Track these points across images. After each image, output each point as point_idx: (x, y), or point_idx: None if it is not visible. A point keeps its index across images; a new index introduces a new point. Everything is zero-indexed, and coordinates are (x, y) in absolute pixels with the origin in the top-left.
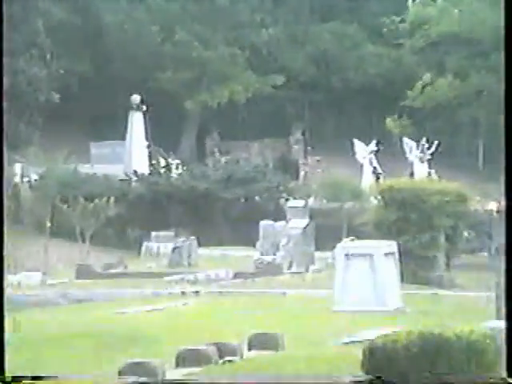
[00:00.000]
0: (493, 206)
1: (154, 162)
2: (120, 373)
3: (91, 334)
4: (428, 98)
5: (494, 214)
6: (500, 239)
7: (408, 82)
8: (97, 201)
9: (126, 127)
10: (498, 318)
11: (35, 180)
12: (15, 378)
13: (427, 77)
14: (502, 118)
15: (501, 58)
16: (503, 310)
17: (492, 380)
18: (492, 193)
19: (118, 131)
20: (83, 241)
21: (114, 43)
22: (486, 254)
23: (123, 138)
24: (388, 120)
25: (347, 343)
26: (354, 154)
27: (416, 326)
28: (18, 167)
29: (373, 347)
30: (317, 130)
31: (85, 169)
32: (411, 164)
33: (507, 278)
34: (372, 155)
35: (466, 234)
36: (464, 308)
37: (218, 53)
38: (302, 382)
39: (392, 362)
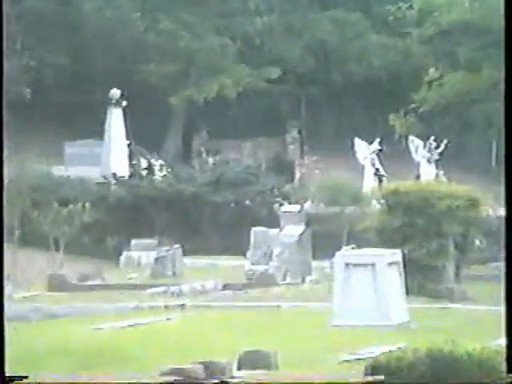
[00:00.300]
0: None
1: (134, 162)
2: None
3: (65, 353)
4: (437, 97)
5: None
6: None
7: (416, 75)
8: (71, 206)
9: (104, 125)
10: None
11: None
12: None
13: (433, 72)
14: None
15: None
16: None
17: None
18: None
19: (96, 129)
20: (56, 249)
21: (92, 32)
22: (498, 263)
23: (101, 137)
24: (391, 117)
25: (347, 361)
26: (354, 154)
27: (422, 343)
28: None
29: (376, 365)
30: (315, 128)
31: (58, 171)
32: (418, 165)
33: (507, 283)
34: (374, 155)
35: (477, 242)
36: (475, 323)
37: (206, 43)
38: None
39: (396, 381)
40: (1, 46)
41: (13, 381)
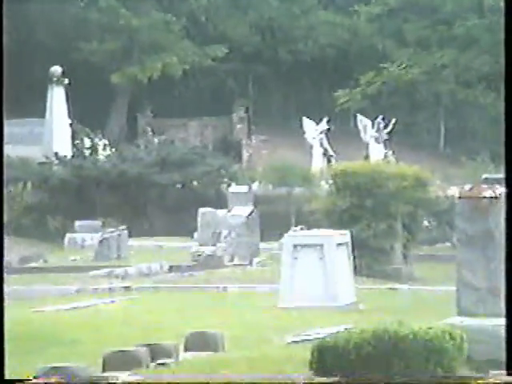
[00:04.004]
0: (455, 191)
1: (77, 142)
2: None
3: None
4: (385, 78)
5: (457, 200)
6: (463, 228)
7: (363, 53)
8: (11, 187)
9: (45, 103)
10: (459, 314)
11: None
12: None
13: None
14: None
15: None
16: (465, 306)
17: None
18: (454, 176)
19: (37, 108)
20: None
21: (31, 8)
22: (447, 244)
23: (42, 116)
24: (339, 92)
25: (294, 342)
26: (303, 133)
27: (370, 324)
28: None
29: (322, 346)
30: (262, 108)
31: None
32: (366, 145)
33: (507, 277)
34: (323, 135)
35: (426, 222)
36: (423, 303)
37: (149, 20)
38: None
39: (343, 362)
40: (1, 45)
41: None
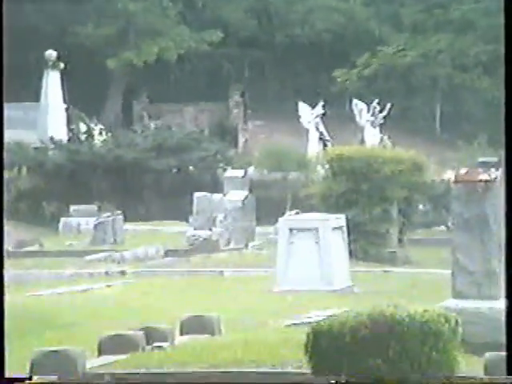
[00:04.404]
0: (451, 175)
1: (73, 127)
2: (33, 363)
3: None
4: (380, 60)
5: (452, 184)
6: (459, 212)
7: (359, 37)
8: (6, 171)
9: (40, 87)
10: (454, 297)
11: None
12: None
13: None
14: (463, 78)
15: (461, 10)
16: (460, 289)
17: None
18: (450, 160)
19: (32, 92)
20: None
21: None
22: (442, 228)
23: (37, 100)
24: (337, 72)
25: (289, 326)
26: (298, 118)
27: (366, 307)
28: None
29: (318, 330)
30: (258, 92)
31: None
32: (362, 129)
33: (507, 275)
34: (318, 119)
35: (421, 206)
36: (418, 287)
37: (145, 5)
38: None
39: (339, 345)
40: (1, 45)
41: (13, 382)
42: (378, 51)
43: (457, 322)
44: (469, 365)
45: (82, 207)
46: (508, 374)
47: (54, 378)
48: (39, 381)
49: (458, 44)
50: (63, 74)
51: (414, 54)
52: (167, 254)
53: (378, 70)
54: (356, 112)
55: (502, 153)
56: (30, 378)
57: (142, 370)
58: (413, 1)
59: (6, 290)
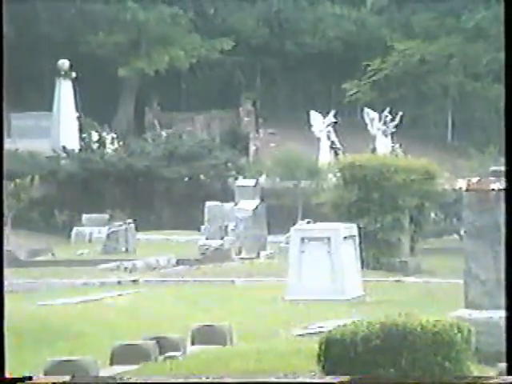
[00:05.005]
0: (462, 183)
1: (85, 136)
2: (46, 373)
3: (12, 330)
4: (392, 68)
5: (464, 192)
6: (471, 220)
7: (371, 45)
8: (19, 180)
9: (52, 96)
10: (467, 307)
11: None
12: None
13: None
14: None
15: (473, 18)
16: (473, 298)
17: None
18: (462, 169)
19: (44, 101)
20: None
21: (37, 0)
22: (455, 236)
23: (50, 109)
24: (347, 84)
25: (301, 335)
26: (310, 126)
27: (377, 317)
28: None
29: (330, 339)
30: (269, 100)
31: (5, 144)
32: (373, 138)
33: (507, 272)
34: (330, 128)
35: (433, 215)
36: (430, 296)
37: (156, 13)
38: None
39: (351, 355)
40: (1, 45)
41: (14, 382)
42: (388, 59)
43: (469, 331)
44: (482, 374)
45: (94, 216)
46: (508, 374)
47: (53, 377)
48: (43, 381)
49: (469, 52)
50: (75, 83)
51: (425, 61)
52: (179, 263)
53: (389, 78)
54: (367, 121)
55: None
56: (30, 378)
57: (154, 380)
58: (424, 8)
59: (18, 298)
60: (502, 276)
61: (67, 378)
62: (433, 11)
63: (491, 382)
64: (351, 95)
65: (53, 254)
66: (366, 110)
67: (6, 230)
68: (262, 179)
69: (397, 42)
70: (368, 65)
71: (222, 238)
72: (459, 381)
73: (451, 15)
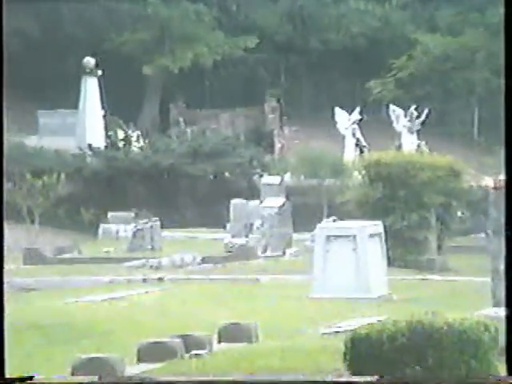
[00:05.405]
0: (489, 181)
1: (110, 133)
2: (73, 370)
3: (40, 327)
4: (417, 65)
5: (491, 190)
6: (498, 219)
7: (395, 41)
8: (46, 177)
9: (78, 94)
10: (494, 305)
11: None
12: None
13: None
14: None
15: (499, 12)
16: (500, 297)
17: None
18: (488, 166)
19: (70, 99)
20: (31, 222)
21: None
22: (481, 235)
23: (75, 107)
24: (372, 83)
25: (327, 334)
26: (335, 124)
27: (404, 315)
28: None
29: (356, 338)
30: (294, 97)
31: (32, 141)
32: (399, 135)
33: (507, 274)
34: (355, 125)
35: (459, 213)
36: (457, 294)
37: (180, 10)
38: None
39: (377, 353)
40: (1, 44)
41: (14, 382)
42: (413, 55)
43: (497, 330)
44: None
45: (120, 214)
46: (508, 374)
47: (53, 377)
48: (44, 381)
49: (494, 47)
50: (100, 80)
51: (450, 57)
52: (204, 260)
53: (414, 75)
54: (393, 118)
55: None
56: (31, 378)
57: (181, 378)
58: (448, 4)
59: (45, 296)
60: None
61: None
62: (457, 6)
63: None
64: (376, 94)
65: (79, 252)
66: (392, 106)
67: (35, 227)
68: (287, 177)
69: (421, 38)
70: (393, 63)
71: (247, 236)
72: (486, 381)
73: (475, 11)
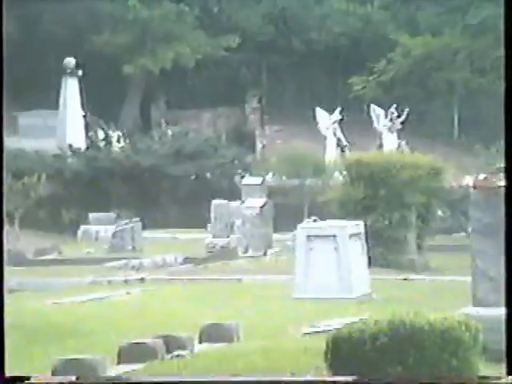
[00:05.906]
0: (469, 180)
1: (91, 134)
2: (54, 371)
3: (20, 327)
4: (398, 65)
5: (471, 189)
6: (478, 218)
7: (377, 41)
8: (26, 178)
9: (58, 95)
10: (475, 305)
11: None
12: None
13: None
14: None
15: (480, 14)
16: (480, 296)
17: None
18: (468, 166)
19: (50, 99)
20: (11, 224)
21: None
22: (462, 234)
23: (56, 108)
24: (354, 79)
25: (309, 333)
26: (316, 124)
27: (385, 314)
28: None
29: (337, 337)
30: (275, 97)
31: (12, 142)
32: (380, 134)
33: (507, 276)
34: (336, 125)
35: (440, 212)
36: (438, 294)
37: (162, 11)
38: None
39: (358, 353)
40: (1, 45)
41: (14, 381)
42: (394, 56)
43: (477, 329)
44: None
45: (101, 215)
46: (508, 374)
47: (53, 377)
48: (42, 381)
49: (475, 48)
50: (81, 81)
51: (430, 57)
52: (186, 261)
53: (396, 76)
54: (374, 117)
55: None
56: (29, 378)
57: (161, 379)
58: (430, 4)
59: (25, 297)
60: (510, 273)
61: (69, 379)
62: (438, 7)
63: (499, 382)
64: (358, 90)
65: (60, 253)
66: (373, 106)
67: (15, 229)
68: (269, 177)
69: (402, 38)
70: (374, 66)
71: (228, 236)
72: (468, 381)
73: (457, 11)
